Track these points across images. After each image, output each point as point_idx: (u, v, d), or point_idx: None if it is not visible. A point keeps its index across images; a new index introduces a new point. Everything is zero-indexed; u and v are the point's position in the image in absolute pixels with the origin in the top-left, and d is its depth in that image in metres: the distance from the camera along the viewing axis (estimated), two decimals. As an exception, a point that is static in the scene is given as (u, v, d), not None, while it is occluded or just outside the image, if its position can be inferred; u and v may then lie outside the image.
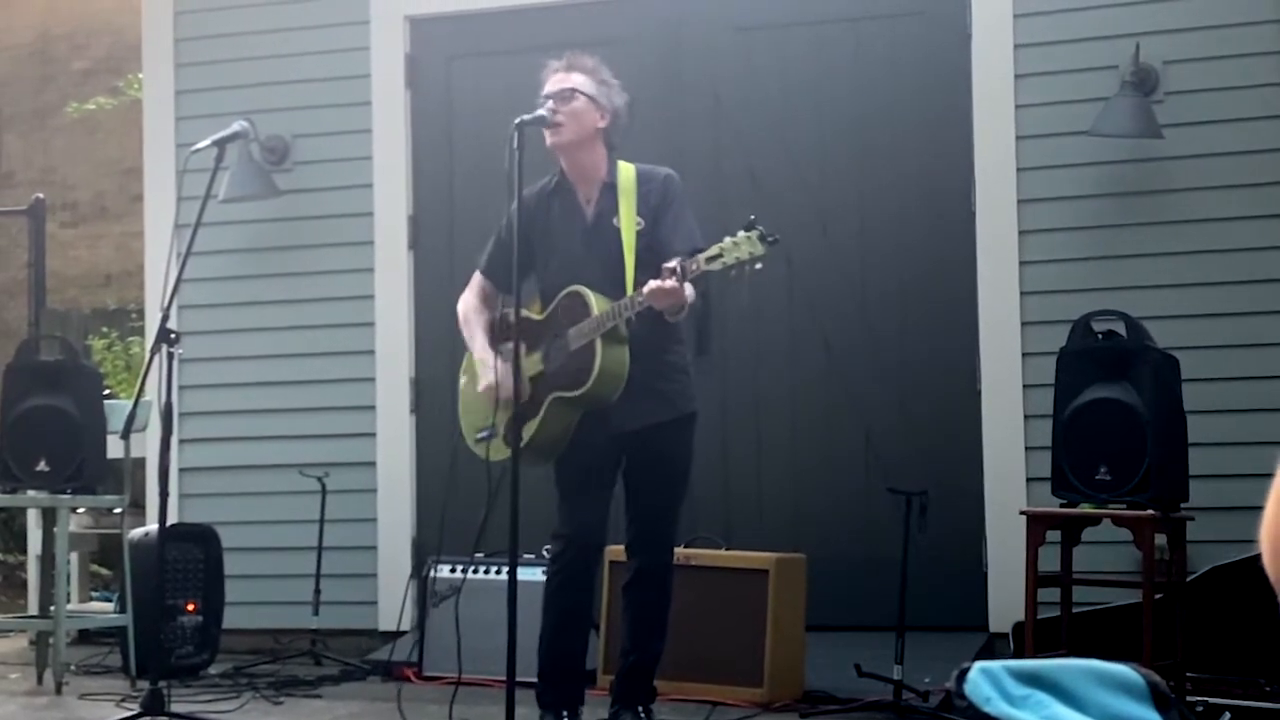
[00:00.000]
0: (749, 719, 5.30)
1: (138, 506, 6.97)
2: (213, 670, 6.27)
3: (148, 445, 6.40)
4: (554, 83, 4.73)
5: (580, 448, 4.66)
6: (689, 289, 4.43)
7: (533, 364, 4.66)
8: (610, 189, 4.74)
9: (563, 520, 4.71)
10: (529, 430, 4.59)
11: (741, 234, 4.32)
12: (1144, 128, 6.05)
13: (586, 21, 6.84)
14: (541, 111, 4.64)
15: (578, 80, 4.72)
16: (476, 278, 4.98)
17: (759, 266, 4.33)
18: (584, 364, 4.56)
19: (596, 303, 4.56)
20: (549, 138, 4.72)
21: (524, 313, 4.59)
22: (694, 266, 4.36)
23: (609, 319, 4.52)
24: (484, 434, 4.75)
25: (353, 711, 5.50)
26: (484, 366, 4.77)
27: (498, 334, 4.84)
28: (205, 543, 6.45)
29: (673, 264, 4.38)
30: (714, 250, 4.35)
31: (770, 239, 4.31)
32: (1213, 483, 5.63)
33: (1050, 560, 5.34)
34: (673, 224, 4.65)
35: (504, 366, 4.62)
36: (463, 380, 4.96)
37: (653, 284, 4.40)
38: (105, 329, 10.08)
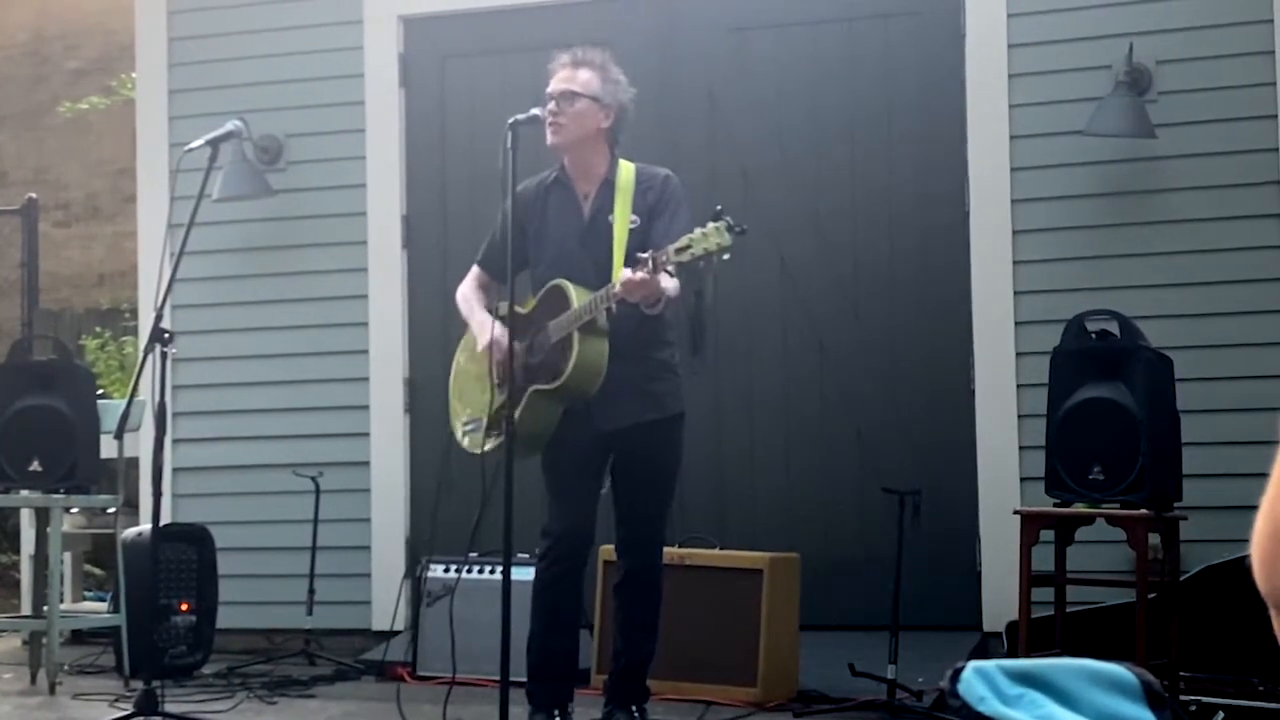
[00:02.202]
0: (743, 719, 5.30)
1: (131, 506, 6.97)
2: (206, 670, 6.27)
3: (141, 445, 6.39)
4: (559, 80, 4.70)
5: (568, 446, 4.66)
6: (668, 281, 4.43)
7: (517, 357, 4.65)
8: (608, 186, 4.73)
9: (551, 519, 4.71)
10: None
11: (710, 225, 4.30)
12: (1137, 127, 6.05)
13: (581, 21, 6.83)
14: (535, 111, 4.62)
15: (584, 78, 4.69)
16: (474, 269, 4.99)
17: (726, 257, 4.32)
18: (561, 357, 4.57)
19: (576, 296, 4.56)
20: (549, 137, 4.70)
21: (516, 308, 4.59)
22: (663, 257, 4.34)
23: (586, 312, 4.52)
24: (471, 425, 4.77)
25: (347, 711, 5.49)
26: (483, 329, 4.78)
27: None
28: (199, 542, 6.44)
29: (644, 255, 4.38)
30: (683, 241, 4.33)
31: (737, 229, 4.30)
32: (1206, 482, 5.64)
33: (1044, 560, 5.35)
34: (666, 225, 4.63)
35: (502, 329, 4.65)
36: (459, 360, 4.96)
37: (625, 275, 4.40)
38: (98, 329, 10.05)
